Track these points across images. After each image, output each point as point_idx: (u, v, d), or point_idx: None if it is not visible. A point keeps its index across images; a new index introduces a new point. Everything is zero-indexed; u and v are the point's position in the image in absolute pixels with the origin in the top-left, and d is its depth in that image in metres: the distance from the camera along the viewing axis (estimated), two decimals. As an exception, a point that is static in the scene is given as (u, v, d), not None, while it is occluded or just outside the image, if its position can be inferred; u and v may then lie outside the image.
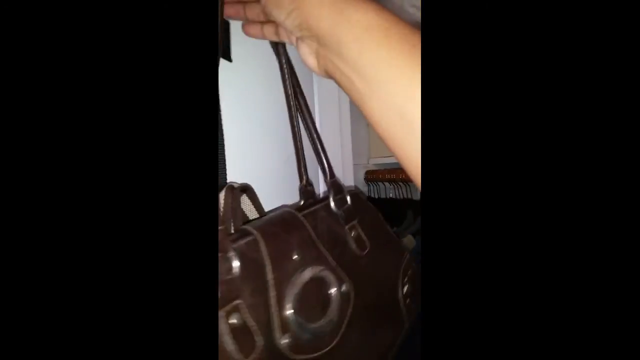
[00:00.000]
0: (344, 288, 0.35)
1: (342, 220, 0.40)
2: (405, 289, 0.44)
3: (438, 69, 0.23)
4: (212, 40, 0.24)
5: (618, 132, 0.21)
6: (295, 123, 0.43)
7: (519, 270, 0.22)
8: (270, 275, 0.29)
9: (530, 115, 0.22)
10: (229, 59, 0.44)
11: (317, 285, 0.33)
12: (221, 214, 0.31)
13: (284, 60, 0.41)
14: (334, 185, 0.42)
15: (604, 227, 0.21)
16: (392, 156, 0.29)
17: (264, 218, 0.33)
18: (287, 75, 0.41)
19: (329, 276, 0.34)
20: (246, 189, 0.39)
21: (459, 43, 0.23)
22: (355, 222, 0.41)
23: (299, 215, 0.35)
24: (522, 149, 0.22)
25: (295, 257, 0.32)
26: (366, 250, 0.40)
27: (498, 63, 0.22)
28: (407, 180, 1.35)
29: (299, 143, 0.44)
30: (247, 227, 0.30)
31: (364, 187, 1.73)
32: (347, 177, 0.72)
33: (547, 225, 0.22)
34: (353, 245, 0.39)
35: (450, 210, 0.23)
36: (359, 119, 0.69)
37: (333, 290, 0.34)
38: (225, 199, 0.31)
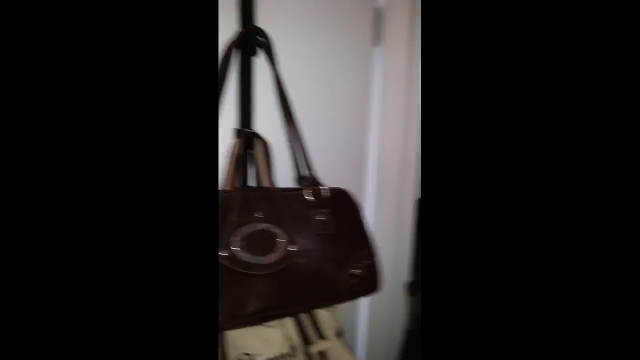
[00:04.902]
0: (290, 246, 0.53)
1: (313, 205, 0.57)
2: (358, 272, 0.57)
3: (438, 69, 0.23)
4: (212, 37, 0.25)
5: (617, 132, 0.20)
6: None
7: (518, 272, 0.22)
8: (234, 217, 0.51)
9: (528, 115, 0.22)
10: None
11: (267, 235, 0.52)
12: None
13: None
14: (309, 180, 0.60)
15: (597, 228, 0.20)
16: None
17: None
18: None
19: (281, 233, 0.53)
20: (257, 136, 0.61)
21: (458, 43, 0.23)
22: (325, 210, 0.57)
23: (281, 193, 0.56)
24: (521, 148, 0.22)
25: (256, 214, 0.53)
26: (327, 232, 0.56)
27: (497, 63, 0.22)
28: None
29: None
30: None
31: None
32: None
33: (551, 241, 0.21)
34: (315, 224, 0.56)
35: (450, 213, 0.23)
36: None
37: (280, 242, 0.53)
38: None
